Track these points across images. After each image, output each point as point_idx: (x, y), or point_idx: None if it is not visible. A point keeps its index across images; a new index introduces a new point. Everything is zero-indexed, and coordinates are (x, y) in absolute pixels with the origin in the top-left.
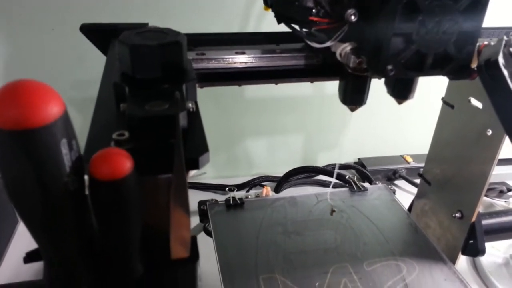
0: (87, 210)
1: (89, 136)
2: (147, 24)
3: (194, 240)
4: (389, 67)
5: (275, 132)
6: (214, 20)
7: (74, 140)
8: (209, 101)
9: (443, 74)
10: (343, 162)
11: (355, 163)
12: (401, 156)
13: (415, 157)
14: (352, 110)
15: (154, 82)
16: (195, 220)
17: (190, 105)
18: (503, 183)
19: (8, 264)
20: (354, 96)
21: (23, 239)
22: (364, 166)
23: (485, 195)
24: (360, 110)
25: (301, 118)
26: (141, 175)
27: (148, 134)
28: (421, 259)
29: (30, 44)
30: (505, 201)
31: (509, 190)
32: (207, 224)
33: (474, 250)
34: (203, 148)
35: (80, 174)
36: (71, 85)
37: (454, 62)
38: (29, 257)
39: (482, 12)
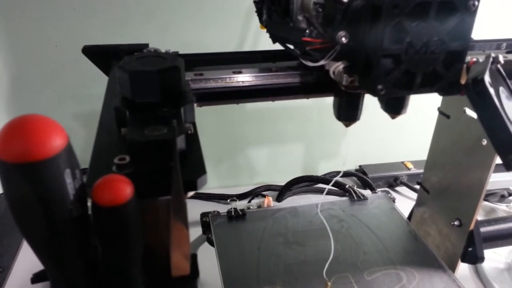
0: (91, 233)
1: (92, 160)
2: (147, 44)
3: (194, 258)
4: (380, 86)
5: (277, 141)
6: (213, 37)
7: (77, 169)
8: (211, 111)
9: (433, 92)
10: (344, 169)
11: (356, 170)
12: (402, 162)
13: (416, 163)
14: (347, 126)
15: (154, 106)
16: (197, 232)
17: (188, 126)
18: (507, 190)
19: (15, 279)
20: (348, 113)
21: (28, 255)
22: (365, 173)
23: (486, 200)
24: (361, 117)
25: (302, 126)
26: (141, 198)
27: (148, 158)
28: (421, 267)
29: (34, 61)
30: (507, 206)
31: (510, 195)
32: (210, 235)
33: (473, 257)
34: (201, 170)
35: (83, 201)
36: (75, 100)
37: (443, 80)
38: (37, 278)
39: (469, 31)
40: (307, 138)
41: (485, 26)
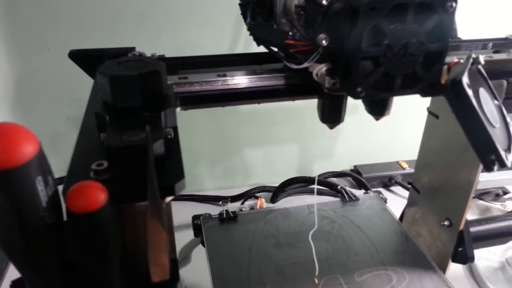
0: (67, 239)
1: (70, 166)
2: (133, 48)
3: (174, 263)
4: (359, 89)
5: (271, 142)
6: (206, 38)
7: (50, 175)
8: (205, 113)
9: (414, 93)
10: (339, 169)
11: (351, 170)
12: (397, 162)
13: (411, 163)
14: (331, 128)
15: (134, 111)
16: (191, 234)
17: (168, 131)
18: (502, 188)
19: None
20: (331, 115)
21: None
22: (360, 173)
23: (481, 199)
24: (354, 118)
25: (296, 127)
26: (119, 204)
27: (126, 163)
28: (411, 268)
29: (28, 64)
30: (501, 204)
31: (505, 193)
32: (202, 237)
33: (463, 257)
34: (179, 175)
35: (57, 207)
36: (68, 103)
37: (423, 82)
38: (15, 285)
39: (447, 32)
40: (301, 138)
41: (473, 25)
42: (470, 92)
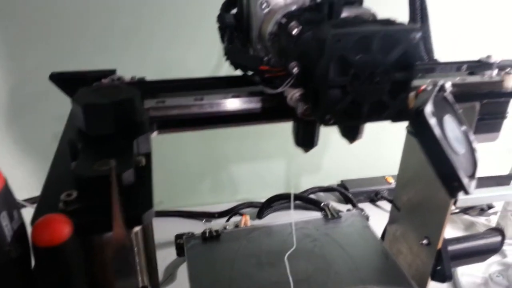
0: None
1: (40, 196)
2: (114, 70)
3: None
4: (328, 116)
5: (259, 158)
6: (191, 57)
7: (16, 210)
8: None
9: (382, 120)
10: (326, 184)
11: (338, 185)
12: (383, 177)
13: None
14: (305, 151)
15: (108, 139)
16: (173, 253)
17: (139, 159)
18: (487, 203)
19: None
20: (305, 139)
21: None
22: (346, 188)
23: (466, 214)
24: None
25: (283, 142)
26: (87, 235)
27: (95, 193)
28: (390, 286)
29: (16, 83)
30: (486, 219)
31: (489, 208)
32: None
33: (441, 276)
34: (147, 204)
35: (23, 240)
36: (56, 121)
37: (389, 109)
38: None
39: (412, 62)
40: (289, 153)
41: (452, 47)
42: (433, 121)
